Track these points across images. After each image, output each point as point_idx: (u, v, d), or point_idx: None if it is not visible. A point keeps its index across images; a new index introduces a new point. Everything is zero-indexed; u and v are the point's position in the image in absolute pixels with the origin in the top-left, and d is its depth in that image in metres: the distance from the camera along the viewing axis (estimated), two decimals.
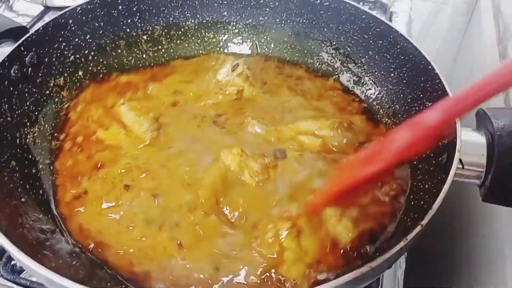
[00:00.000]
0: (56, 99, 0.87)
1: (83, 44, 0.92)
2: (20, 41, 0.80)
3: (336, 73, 0.97)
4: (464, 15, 1.50)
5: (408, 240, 0.56)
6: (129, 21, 0.98)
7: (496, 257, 0.83)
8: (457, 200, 0.88)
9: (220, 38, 1.05)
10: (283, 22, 1.01)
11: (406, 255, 0.82)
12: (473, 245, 0.91)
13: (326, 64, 0.99)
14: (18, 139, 0.78)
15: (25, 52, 0.81)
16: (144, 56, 1.01)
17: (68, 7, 0.89)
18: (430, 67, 0.77)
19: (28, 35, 0.82)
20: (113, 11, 0.95)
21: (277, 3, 1.00)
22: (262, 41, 1.04)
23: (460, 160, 0.65)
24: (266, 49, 1.04)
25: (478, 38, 1.28)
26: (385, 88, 0.90)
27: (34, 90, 0.84)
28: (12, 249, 0.55)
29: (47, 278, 0.53)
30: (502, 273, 0.81)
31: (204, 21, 1.04)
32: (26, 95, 0.82)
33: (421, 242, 0.60)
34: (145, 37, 1.01)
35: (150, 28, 1.01)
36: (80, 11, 0.90)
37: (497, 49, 1.06)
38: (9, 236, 0.57)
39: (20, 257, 0.55)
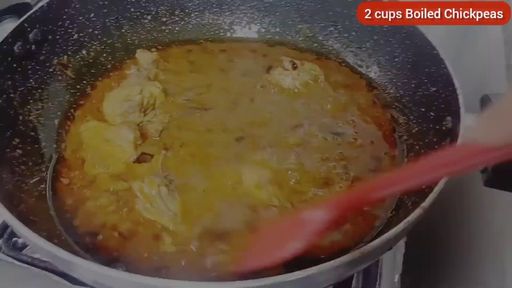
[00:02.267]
0: (60, 78, 0.87)
1: (87, 23, 0.92)
2: (24, 17, 0.80)
3: (340, 56, 0.97)
4: None
5: (409, 222, 0.56)
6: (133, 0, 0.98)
7: (495, 246, 0.83)
8: (458, 184, 0.87)
9: (225, 20, 1.04)
10: (288, 4, 1.00)
11: (406, 240, 0.82)
12: (473, 232, 0.91)
13: (331, 47, 0.98)
14: (21, 116, 0.78)
15: (29, 29, 0.81)
16: (147, 36, 1.00)
17: None
18: (435, 52, 0.77)
19: (32, 11, 0.81)
20: None
21: None
22: (267, 24, 1.03)
23: None
24: (270, 32, 1.03)
25: (483, 27, 1.27)
26: (389, 73, 0.90)
27: (38, 67, 0.83)
28: (16, 225, 0.56)
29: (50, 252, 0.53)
30: (500, 261, 0.81)
31: (209, 2, 1.03)
32: (30, 72, 0.82)
33: (420, 229, 0.61)
34: (149, 17, 1.00)
35: (154, 8, 1.00)
36: None
37: (502, 37, 1.05)
38: (13, 212, 0.57)
39: (23, 232, 0.55)
